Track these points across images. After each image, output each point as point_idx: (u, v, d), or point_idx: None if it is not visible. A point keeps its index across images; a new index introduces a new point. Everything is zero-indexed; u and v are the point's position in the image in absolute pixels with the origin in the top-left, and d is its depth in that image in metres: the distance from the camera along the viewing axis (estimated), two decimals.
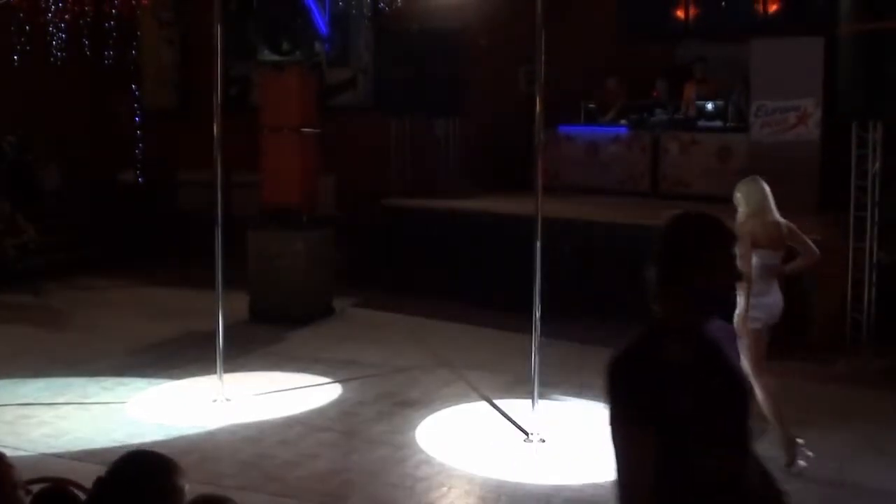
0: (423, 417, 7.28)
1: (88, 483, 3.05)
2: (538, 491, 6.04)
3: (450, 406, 7.58)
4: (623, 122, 13.31)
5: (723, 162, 12.26)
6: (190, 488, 3.01)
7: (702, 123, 12.76)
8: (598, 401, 7.49)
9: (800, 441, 6.24)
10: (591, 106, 13.61)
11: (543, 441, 6.75)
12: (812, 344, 9.07)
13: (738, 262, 3.37)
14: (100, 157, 14.79)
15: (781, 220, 6.35)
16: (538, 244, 6.75)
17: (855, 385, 8.30)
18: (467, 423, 7.23)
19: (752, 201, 6.34)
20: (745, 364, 5.72)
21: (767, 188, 6.39)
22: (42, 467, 5.04)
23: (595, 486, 6.08)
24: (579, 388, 7.89)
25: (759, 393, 6.05)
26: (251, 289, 10.53)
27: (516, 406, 7.41)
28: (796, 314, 9.25)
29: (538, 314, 6.76)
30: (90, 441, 6.72)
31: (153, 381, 8.20)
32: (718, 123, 12.67)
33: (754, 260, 6.20)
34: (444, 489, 6.07)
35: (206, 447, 6.69)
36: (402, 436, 6.89)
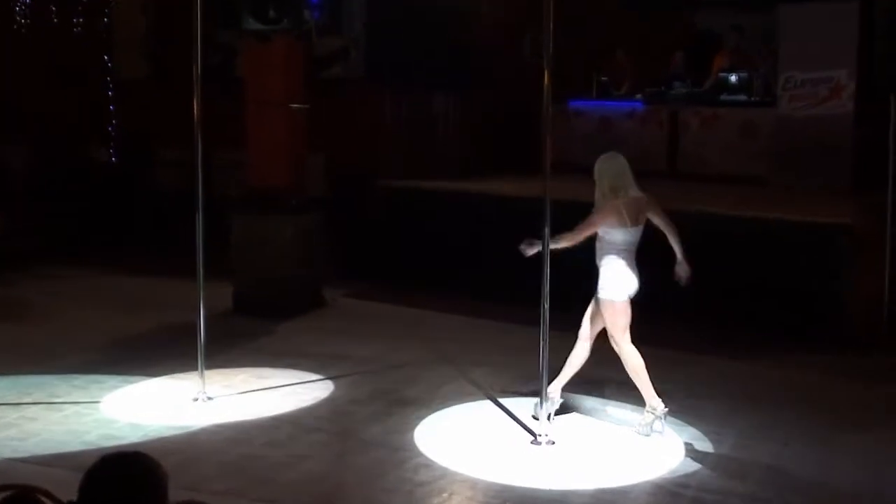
0: (422, 417, 7.30)
1: (58, 490, 3.05)
2: (547, 497, 6.06)
3: (451, 405, 7.60)
4: (638, 96, 13.30)
5: (747, 139, 12.27)
6: (170, 494, 3.03)
7: (725, 97, 12.75)
8: (613, 399, 7.55)
9: (663, 410, 6.88)
10: (604, 79, 13.61)
11: (553, 443, 6.77)
12: (846, 337, 9.10)
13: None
14: (69, 134, 14.78)
15: (641, 194, 6.91)
16: (547, 229, 6.76)
17: (892, 381, 8.33)
18: (470, 424, 7.25)
19: (613, 177, 6.84)
20: (611, 334, 6.87)
21: (627, 163, 6.94)
22: (7, 473, 5.07)
23: (609, 491, 6.11)
24: (589, 385, 7.91)
25: (625, 361, 6.92)
26: (235, 278, 10.55)
27: (523, 405, 7.43)
28: (830, 305, 9.31)
29: (547, 305, 6.77)
30: (60, 444, 6.72)
31: (129, 378, 8.20)
32: (743, 97, 12.66)
33: (619, 235, 6.77)
34: (445, 495, 6.09)
35: (187, 449, 6.71)
36: (400, 437, 6.91)
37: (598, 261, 6.90)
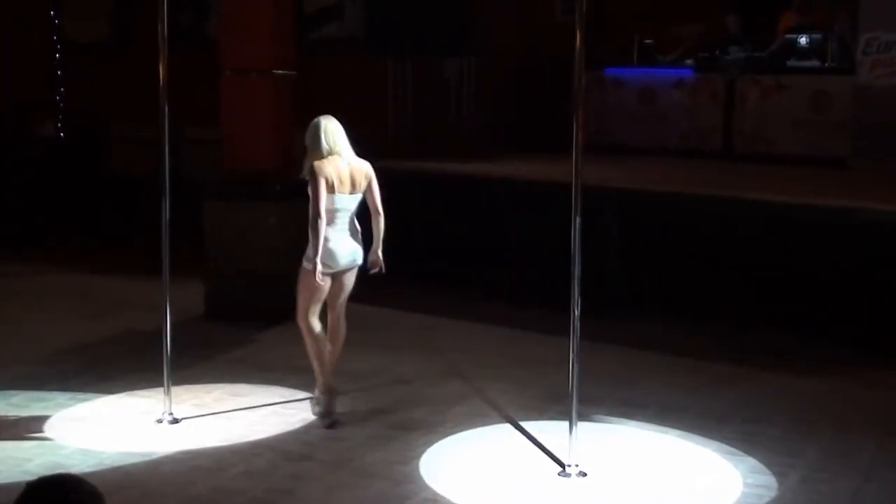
0: (430, 444, 7.30)
1: None
2: None
3: (463, 429, 7.60)
4: (688, 61, 13.29)
5: (819, 112, 12.26)
6: None
7: (792, 63, 12.73)
8: (654, 423, 7.56)
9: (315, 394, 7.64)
10: (648, 41, 13.60)
11: (584, 475, 6.78)
12: None
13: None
14: (9, 105, 14.82)
15: (362, 163, 7.71)
16: (577, 220, 6.75)
17: None
18: (485, 452, 7.25)
19: (331, 140, 7.61)
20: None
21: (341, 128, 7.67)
22: None
23: None
24: (628, 407, 7.90)
25: (305, 338, 7.65)
26: (208, 276, 10.57)
27: (549, 430, 7.44)
28: None
29: (578, 311, 6.77)
30: None
31: (79, 395, 8.22)
32: (815, 63, 12.64)
33: (318, 199, 7.39)
34: None
35: (149, 481, 6.72)
36: (403, 467, 6.91)
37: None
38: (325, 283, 7.59)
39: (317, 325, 7.74)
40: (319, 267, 7.37)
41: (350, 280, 7.83)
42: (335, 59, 13.67)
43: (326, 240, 7.44)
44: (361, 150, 12.07)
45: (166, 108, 7.72)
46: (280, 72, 10.68)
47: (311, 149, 7.57)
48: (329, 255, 7.50)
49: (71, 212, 14.07)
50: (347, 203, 7.56)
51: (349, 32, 14.19)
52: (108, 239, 13.37)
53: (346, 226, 7.62)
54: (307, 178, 7.48)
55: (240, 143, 10.65)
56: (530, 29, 13.33)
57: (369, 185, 7.70)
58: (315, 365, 7.76)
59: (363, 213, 7.77)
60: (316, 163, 7.47)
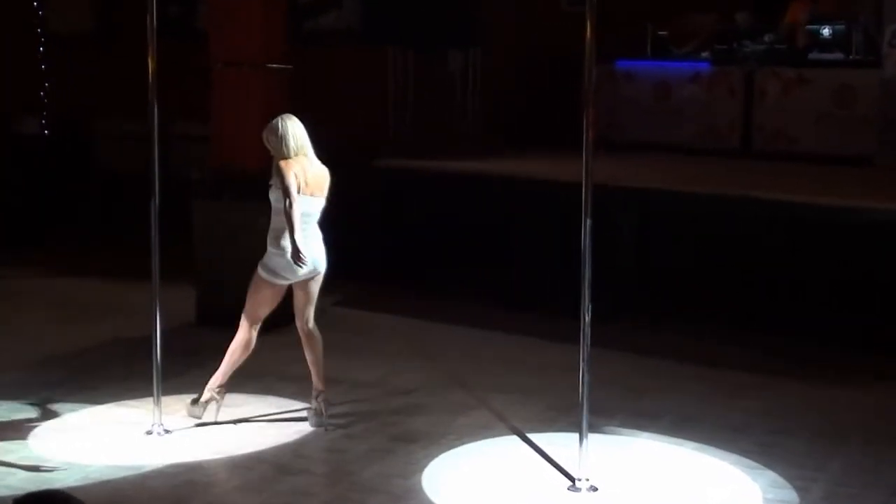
0: (432, 457, 7.32)
1: None
2: None
3: (467, 441, 7.62)
4: (705, 54, 13.30)
5: (843, 107, 12.26)
6: None
7: (814, 55, 12.74)
8: (668, 434, 7.57)
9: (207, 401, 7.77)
10: (662, 33, 13.61)
11: (595, 489, 6.80)
12: None
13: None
14: None
15: (323, 168, 7.83)
16: (588, 221, 6.77)
17: None
18: (490, 465, 7.27)
19: (299, 141, 7.69)
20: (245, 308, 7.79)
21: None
22: None
23: None
24: (641, 418, 7.92)
25: (237, 347, 7.83)
26: (199, 280, 10.58)
27: (558, 442, 7.46)
28: None
29: (588, 317, 6.79)
30: None
31: (65, 405, 8.24)
32: (838, 55, 12.64)
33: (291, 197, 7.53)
34: None
35: (138, 495, 6.74)
36: (404, 481, 6.93)
37: (270, 232, 7.72)
38: (282, 290, 7.82)
39: (255, 338, 7.90)
40: (304, 250, 7.50)
41: (315, 288, 7.90)
42: (332, 51, 13.67)
43: (286, 249, 7.55)
44: (358, 147, 12.11)
45: (155, 103, 7.73)
46: (273, 65, 10.69)
47: (277, 150, 7.65)
48: (290, 263, 7.58)
49: (56, 212, 14.08)
50: (311, 206, 7.69)
51: (347, 22, 14.19)
52: (94, 239, 13.38)
53: (310, 231, 7.71)
54: (275, 174, 7.60)
55: (231, 139, 10.65)
56: (537, 19, 13.34)
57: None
58: (227, 369, 7.87)
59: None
60: (282, 161, 7.58)
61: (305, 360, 7.92)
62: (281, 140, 7.64)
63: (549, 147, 12.26)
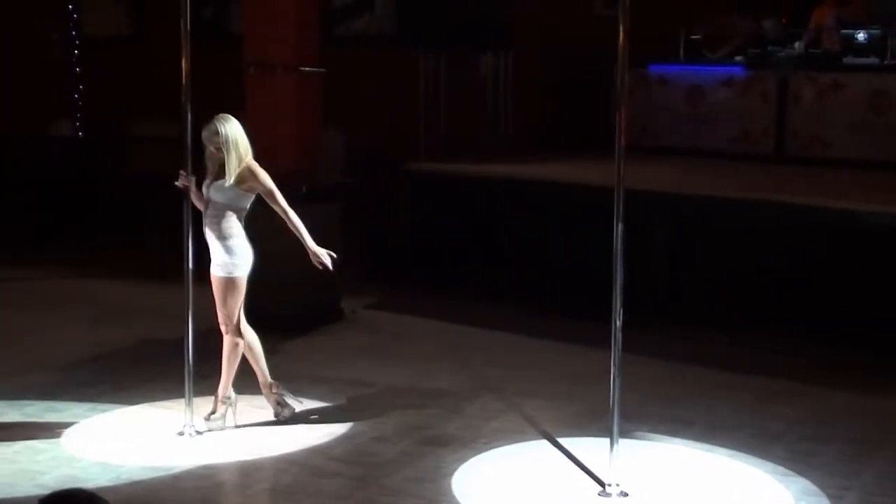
0: (462, 460, 7.32)
1: None
2: None
3: (497, 445, 7.62)
4: (738, 58, 13.26)
5: (878, 113, 12.20)
6: None
7: (849, 60, 12.69)
8: (700, 441, 7.55)
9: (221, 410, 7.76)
10: (695, 37, 13.58)
11: (625, 495, 6.78)
12: None
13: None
14: (24, 103, 14.92)
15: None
16: (620, 226, 6.76)
17: None
18: (521, 470, 7.27)
19: (244, 141, 7.70)
20: (228, 315, 7.66)
21: None
22: None
23: None
24: (673, 423, 7.90)
25: (235, 344, 7.74)
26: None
27: (589, 447, 7.45)
28: None
29: (619, 322, 6.78)
30: (8, 487, 6.78)
31: (97, 406, 8.29)
32: (873, 60, 12.58)
33: (248, 202, 7.70)
34: None
35: (170, 496, 6.77)
36: (434, 485, 6.93)
37: (219, 233, 7.63)
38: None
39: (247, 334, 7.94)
40: (318, 250, 7.69)
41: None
42: (364, 55, 13.70)
43: (248, 242, 7.72)
44: (390, 150, 12.10)
45: (188, 106, 7.75)
46: (307, 68, 10.71)
47: (245, 151, 7.69)
48: (251, 256, 7.75)
49: (86, 214, 14.15)
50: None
51: (379, 26, 14.21)
52: (125, 243, 13.43)
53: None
54: (257, 174, 7.64)
55: (264, 142, 10.64)
56: (569, 23, 13.32)
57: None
58: (230, 376, 7.83)
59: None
60: (252, 164, 7.67)
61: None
62: (244, 140, 7.70)
63: (581, 150, 12.24)
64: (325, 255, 7.68)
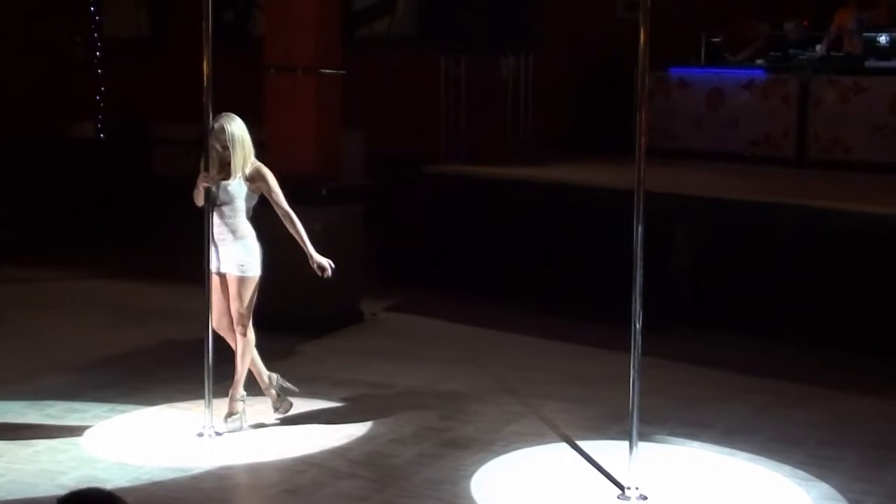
0: (481, 462, 7.32)
1: None
2: None
3: (516, 448, 7.62)
4: (759, 61, 13.24)
5: None
6: None
7: (871, 63, 12.65)
8: (719, 444, 7.54)
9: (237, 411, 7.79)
10: (716, 40, 13.57)
11: (644, 498, 6.78)
12: None
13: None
14: (45, 104, 14.98)
15: None
16: (640, 229, 6.75)
17: None
18: (539, 472, 7.27)
19: (247, 140, 7.72)
20: (242, 314, 7.67)
21: None
22: None
23: None
24: (692, 426, 7.89)
25: (248, 342, 7.76)
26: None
27: (608, 450, 7.44)
28: None
29: (639, 325, 6.77)
30: (29, 487, 6.80)
31: (117, 407, 8.31)
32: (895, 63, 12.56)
33: (252, 202, 7.74)
34: None
35: (189, 497, 6.78)
36: (453, 487, 6.93)
37: (236, 232, 7.67)
38: None
39: None
40: (320, 259, 7.74)
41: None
42: (384, 57, 13.71)
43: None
44: (411, 152, 12.13)
45: (210, 108, 7.77)
46: (327, 70, 10.73)
47: (249, 149, 7.74)
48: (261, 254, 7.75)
49: (109, 215, 14.20)
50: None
51: (401, 28, 14.22)
52: (146, 243, 13.48)
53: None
54: (265, 176, 7.69)
55: (284, 144, 10.69)
56: (591, 26, 13.32)
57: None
58: (243, 374, 7.87)
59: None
60: (261, 165, 7.73)
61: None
62: (248, 138, 7.74)
63: (601, 153, 12.24)
64: (326, 264, 7.73)
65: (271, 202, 7.73)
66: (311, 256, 7.74)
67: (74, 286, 12.38)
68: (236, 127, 7.69)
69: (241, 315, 7.71)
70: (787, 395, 8.73)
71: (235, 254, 7.65)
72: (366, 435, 7.87)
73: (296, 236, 7.71)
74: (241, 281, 7.69)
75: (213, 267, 7.70)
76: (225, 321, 7.80)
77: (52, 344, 10.09)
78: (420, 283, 11.80)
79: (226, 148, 7.62)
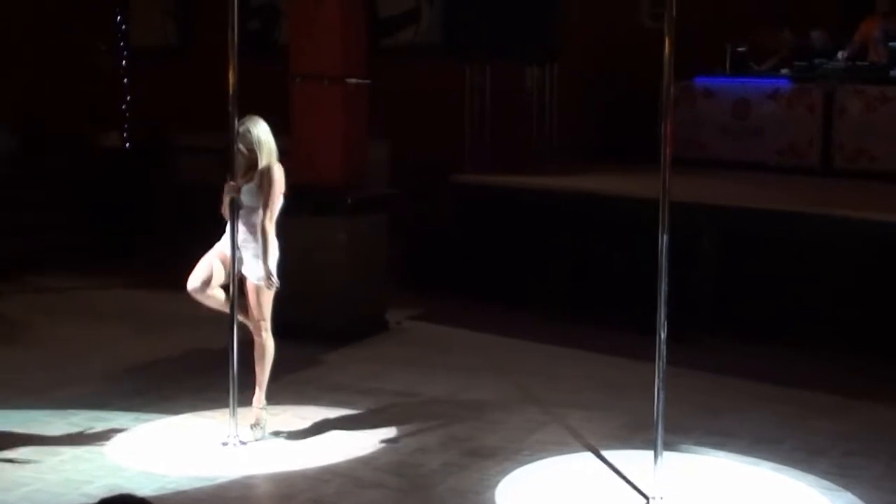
0: (506, 472, 7.31)
1: None
2: None
3: (541, 457, 7.61)
4: (784, 70, 13.21)
5: None
6: None
7: None
8: (745, 454, 7.52)
9: (261, 420, 7.79)
10: (741, 49, 13.55)
11: None
12: None
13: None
14: (71, 113, 15.04)
15: None
16: (664, 238, 6.75)
17: None
18: (566, 481, 7.26)
19: (272, 143, 7.72)
20: (263, 318, 7.72)
21: None
22: None
23: None
24: (718, 436, 7.88)
25: (268, 349, 7.80)
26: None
27: (632, 459, 7.44)
28: None
29: (664, 334, 6.76)
30: (55, 496, 6.82)
31: (142, 416, 8.33)
32: None
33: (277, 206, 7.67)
34: None
35: None
36: (477, 496, 6.93)
37: (254, 238, 7.65)
38: None
39: None
40: (272, 275, 7.65)
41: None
42: (410, 66, 13.73)
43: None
44: (436, 162, 12.14)
45: (235, 117, 7.79)
46: (353, 80, 10.75)
47: (273, 152, 7.73)
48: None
49: (134, 223, 14.25)
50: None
51: (426, 38, 14.23)
52: (171, 252, 13.50)
53: None
54: (274, 177, 7.61)
55: (309, 153, 10.71)
56: (616, 35, 13.32)
57: None
58: (264, 380, 7.88)
59: None
60: (278, 166, 7.69)
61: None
62: (271, 139, 7.74)
63: (627, 162, 12.22)
64: (274, 281, 7.67)
65: (261, 203, 7.64)
66: (265, 268, 7.63)
67: (100, 294, 12.43)
68: (261, 130, 7.73)
69: (259, 319, 7.77)
70: (812, 404, 8.70)
71: (258, 266, 7.66)
72: (390, 444, 7.87)
73: (261, 244, 7.62)
74: (261, 289, 7.74)
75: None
76: (200, 284, 7.74)
77: (77, 352, 10.13)
78: (445, 292, 11.81)
79: (251, 150, 7.64)
